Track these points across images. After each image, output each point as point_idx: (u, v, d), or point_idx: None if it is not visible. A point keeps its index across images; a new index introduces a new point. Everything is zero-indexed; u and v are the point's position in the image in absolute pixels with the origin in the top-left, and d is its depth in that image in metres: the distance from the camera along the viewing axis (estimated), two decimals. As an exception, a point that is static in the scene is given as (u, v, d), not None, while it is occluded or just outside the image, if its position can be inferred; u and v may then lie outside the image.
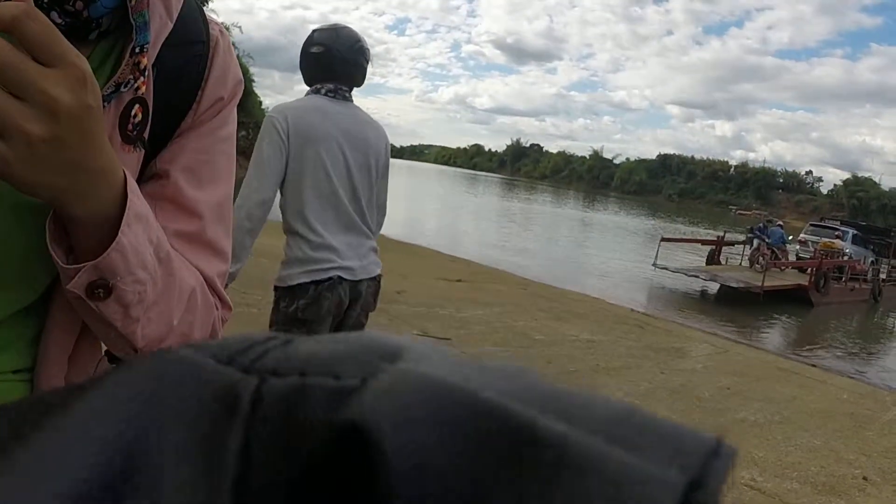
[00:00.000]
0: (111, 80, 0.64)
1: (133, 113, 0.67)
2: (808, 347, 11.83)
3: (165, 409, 0.16)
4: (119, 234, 0.58)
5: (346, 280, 2.52)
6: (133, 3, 0.64)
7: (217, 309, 0.77)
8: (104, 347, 0.74)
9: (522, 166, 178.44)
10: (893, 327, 16.90)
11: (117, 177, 0.58)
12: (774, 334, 13.25)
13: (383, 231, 2.90)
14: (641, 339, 8.05)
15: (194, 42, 0.75)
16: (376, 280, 2.70)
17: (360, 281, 2.58)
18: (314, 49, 2.61)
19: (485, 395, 0.15)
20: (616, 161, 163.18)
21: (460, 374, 0.16)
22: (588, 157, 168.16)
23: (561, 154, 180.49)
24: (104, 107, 0.61)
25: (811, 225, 26.97)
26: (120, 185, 0.58)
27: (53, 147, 0.50)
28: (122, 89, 0.65)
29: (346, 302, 2.56)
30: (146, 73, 0.67)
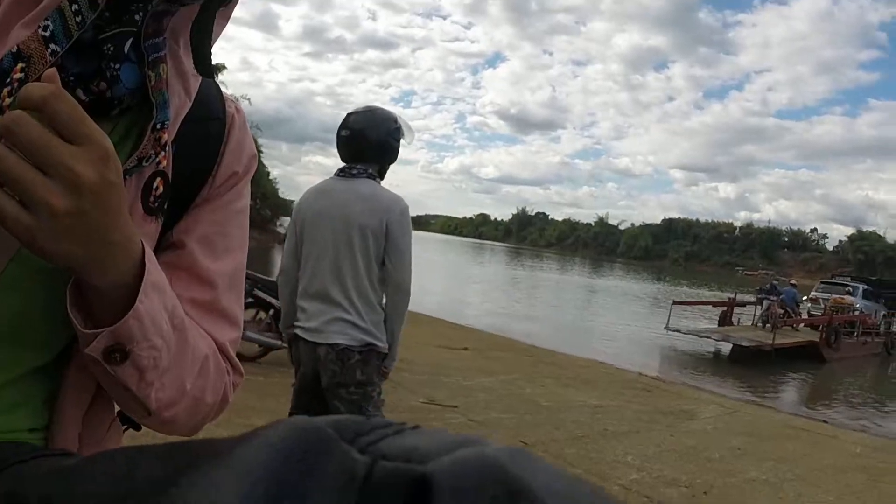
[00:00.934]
0: (133, 154, 0.67)
1: (155, 186, 0.70)
2: (820, 403, 11.68)
3: (305, 471, 0.20)
4: (136, 301, 0.60)
5: (302, 339, 2.80)
6: (153, 82, 0.67)
7: (228, 374, 0.80)
8: (117, 407, 0.76)
9: (528, 234, 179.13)
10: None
11: (136, 248, 0.60)
12: (787, 392, 13.10)
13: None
14: (649, 403, 7.98)
15: (211, 119, 0.78)
16: (336, 349, 2.72)
17: (318, 345, 2.75)
18: (342, 132, 2.86)
19: (521, 476, 0.20)
20: (621, 227, 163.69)
21: (514, 459, 0.21)
22: (593, 223, 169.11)
23: (566, 221, 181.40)
24: (126, 179, 0.65)
25: (822, 282, 27.39)
26: (138, 255, 0.61)
27: (77, 220, 0.52)
28: (144, 164, 0.68)
29: (308, 361, 2.81)
30: (167, 149, 0.70)
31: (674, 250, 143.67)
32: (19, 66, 0.60)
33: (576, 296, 32.72)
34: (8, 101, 0.58)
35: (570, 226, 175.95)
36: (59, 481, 0.25)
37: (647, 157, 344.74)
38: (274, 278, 6.78)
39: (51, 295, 0.64)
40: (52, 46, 0.61)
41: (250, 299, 6.80)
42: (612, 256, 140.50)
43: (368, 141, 2.80)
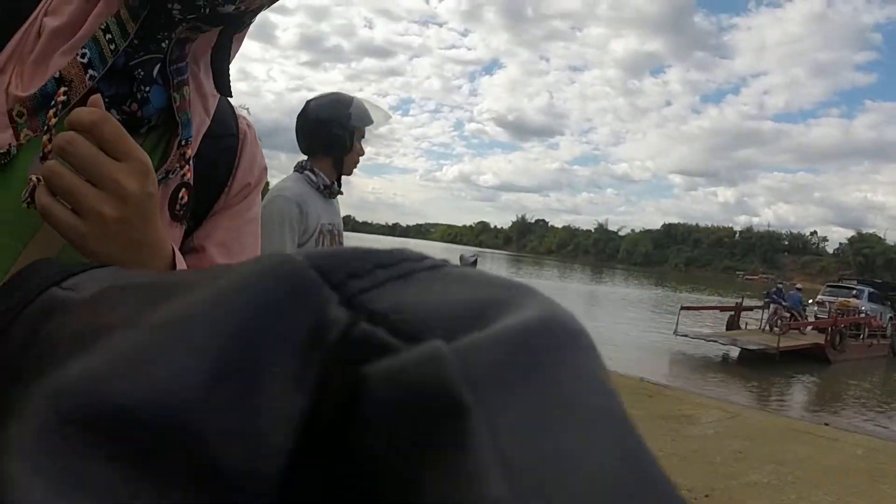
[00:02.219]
0: (161, 167, 0.74)
1: (180, 196, 0.77)
2: (824, 406, 11.72)
3: (267, 326, 0.17)
4: None
5: None
6: (178, 104, 0.75)
7: None
8: None
9: (528, 242, 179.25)
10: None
11: (168, 250, 0.68)
12: (791, 395, 13.16)
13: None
14: (651, 408, 8.01)
15: (227, 135, 0.87)
16: None
17: None
18: (297, 122, 2.75)
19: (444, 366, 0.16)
20: (621, 233, 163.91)
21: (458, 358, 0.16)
22: (593, 230, 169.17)
23: (566, 228, 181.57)
24: None
25: (828, 286, 27.84)
26: (169, 257, 0.68)
27: (121, 226, 0.60)
28: (171, 176, 0.75)
29: None
30: (190, 162, 0.77)
31: (674, 256, 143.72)
32: (62, 89, 0.67)
33: (578, 302, 32.72)
34: (54, 120, 0.65)
35: (570, 233, 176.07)
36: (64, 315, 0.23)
37: (645, 162, 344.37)
38: None
39: None
40: (91, 72, 0.68)
41: None
42: (612, 263, 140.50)
43: (308, 131, 2.63)
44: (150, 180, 0.62)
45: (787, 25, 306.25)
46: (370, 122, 2.62)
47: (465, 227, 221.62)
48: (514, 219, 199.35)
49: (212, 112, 0.83)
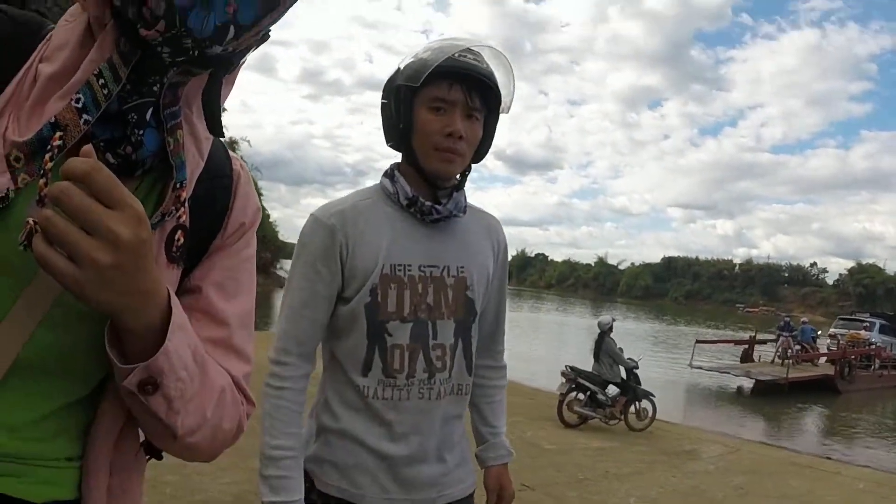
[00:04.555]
0: (157, 210, 0.76)
1: (176, 237, 0.79)
2: (828, 438, 11.71)
3: None
4: (166, 341, 0.70)
5: None
6: (172, 147, 0.77)
7: (243, 405, 0.90)
8: (142, 437, 0.86)
9: (528, 276, 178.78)
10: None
11: (163, 294, 0.70)
12: (799, 426, 13.26)
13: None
14: (652, 444, 7.99)
15: (221, 176, 0.89)
16: None
17: None
18: None
19: None
20: (621, 267, 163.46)
21: None
22: (593, 264, 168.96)
23: (566, 262, 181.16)
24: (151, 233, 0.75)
25: (840, 319, 29.02)
26: (165, 300, 0.71)
27: (116, 272, 0.62)
28: (167, 218, 0.78)
29: None
30: (185, 204, 0.79)
31: (674, 289, 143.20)
32: (58, 134, 0.69)
33: (578, 337, 32.58)
34: (50, 165, 0.67)
35: (570, 266, 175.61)
36: None
37: (644, 195, 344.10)
38: (590, 368, 9.61)
39: (89, 335, 0.74)
40: (85, 116, 0.70)
41: (573, 385, 9.10)
42: (612, 296, 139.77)
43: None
44: (144, 227, 0.64)
45: (783, 57, 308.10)
46: (424, 70, 1.50)
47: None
48: (514, 253, 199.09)
49: (205, 154, 0.86)
